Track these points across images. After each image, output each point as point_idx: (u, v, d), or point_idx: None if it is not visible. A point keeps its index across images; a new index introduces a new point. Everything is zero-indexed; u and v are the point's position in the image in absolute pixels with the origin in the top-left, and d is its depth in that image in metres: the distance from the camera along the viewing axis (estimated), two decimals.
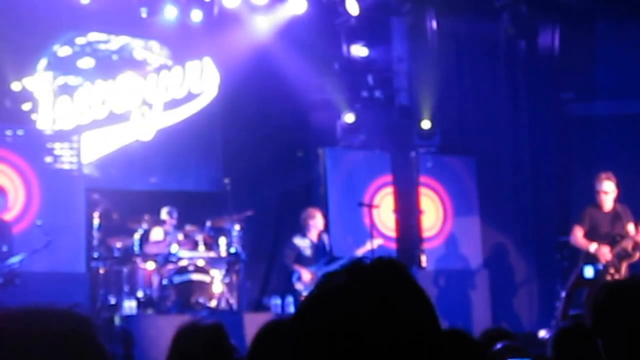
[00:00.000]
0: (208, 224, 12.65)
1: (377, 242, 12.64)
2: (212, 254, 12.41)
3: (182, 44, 14.90)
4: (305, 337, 1.76)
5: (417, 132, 15.19)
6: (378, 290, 1.75)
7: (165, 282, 11.87)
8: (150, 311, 11.88)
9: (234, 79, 15.04)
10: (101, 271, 12.27)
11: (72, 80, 14.22)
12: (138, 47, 14.83)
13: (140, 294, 11.98)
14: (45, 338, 1.70)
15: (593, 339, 3.21)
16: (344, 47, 15.21)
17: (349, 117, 15.07)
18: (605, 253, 11.21)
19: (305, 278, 12.02)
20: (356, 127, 15.12)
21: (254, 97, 14.94)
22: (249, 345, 3.79)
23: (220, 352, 4.54)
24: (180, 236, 12.57)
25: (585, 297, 11.13)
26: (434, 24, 15.42)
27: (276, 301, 12.69)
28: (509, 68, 15.82)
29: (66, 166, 12.85)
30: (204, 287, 11.74)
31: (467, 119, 15.61)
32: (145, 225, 12.52)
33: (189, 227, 12.75)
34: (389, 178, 14.91)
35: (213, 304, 11.69)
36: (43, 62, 13.99)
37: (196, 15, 14.34)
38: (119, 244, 12.44)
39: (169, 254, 12.15)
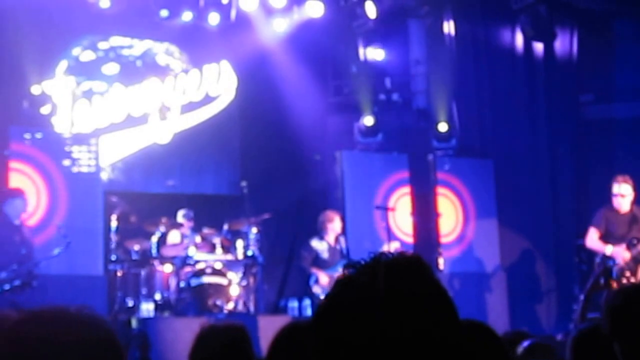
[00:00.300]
0: (225, 226, 12.65)
1: (394, 245, 12.61)
2: (229, 257, 12.41)
3: (200, 47, 14.92)
4: (327, 335, 1.76)
5: (434, 134, 15.16)
6: (399, 287, 1.75)
7: (182, 284, 11.87)
8: (167, 314, 11.89)
9: (251, 82, 15.06)
10: (119, 274, 12.29)
11: (93, 85, 14.28)
12: (160, 52, 14.87)
13: (157, 296, 11.99)
14: (67, 342, 1.70)
15: (611, 342, 3.19)
16: (361, 50, 15.20)
17: (369, 120, 15.04)
18: (623, 254, 11.15)
19: (323, 281, 12.01)
20: (374, 130, 15.10)
21: (271, 100, 14.95)
22: (267, 347, 3.78)
23: (241, 354, 4.53)
24: (198, 239, 12.59)
25: (603, 301, 11.06)
26: (452, 27, 15.39)
27: (293, 304, 12.69)
28: (527, 70, 15.77)
29: (84, 169, 12.89)
30: (221, 289, 11.74)
31: (485, 121, 15.58)
32: (162, 228, 12.53)
33: (206, 230, 12.76)
34: (406, 181, 14.87)
35: (230, 306, 11.68)
36: (63, 66, 14.05)
37: (213, 19, 14.36)
38: (136, 247, 12.46)
39: (187, 256, 12.16)
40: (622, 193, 11.31)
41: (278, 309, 13.81)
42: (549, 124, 15.60)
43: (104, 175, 13.50)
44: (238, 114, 15.24)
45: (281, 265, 14.47)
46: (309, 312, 12.51)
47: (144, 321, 11.25)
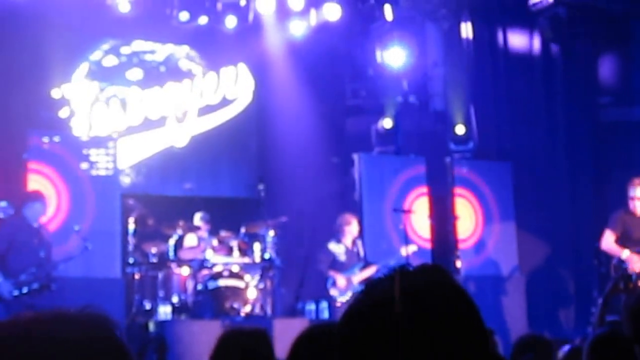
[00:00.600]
0: (242, 229, 12.66)
1: (411, 247, 12.59)
2: (246, 260, 12.42)
3: (217, 50, 14.95)
4: (351, 343, 1.76)
5: (452, 137, 15.13)
6: (423, 297, 1.74)
7: (199, 287, 11.89)
8: (184, 316, 11.90)
9: (268, 85, 15.07)
10: (136, 276, 12.32)
11: (118, 90, 14.34)
12: (182, 57, 14.91)
13: (175, 299, 12.00)
14: (67, 342, 1.70)
15: (629, 345, 3.17)
16: (379, 53, 15.18)
17: (387, 122, 15.02)
18: (636, 263, 11.08)
19: (340, 283, 12.00)
20: (391, 133, 15.09)
21: (288, 102, 14.95)
22: (283, 350, 3.77)
23: (262, 359, 4.52)
24: (215, 242, 12.61)
25: (623, 305, 11.01)
26: (469, 29, 15.36)
27: (310, 307, 12.68)
28: (545, 72, 15.73)
29: (102, 172, 12.93)
30: (238, 292, 11.75)
31: (503, 124, 15.54)
32: (179, 231, 12.55)
33: (223, 233, 12.78)
34: (423, 184, 14.85)
35: (247, 309, 11.69)
36: (83, 70, 14.10)
37: (231, 22, 14.38)
38: (154, 250, 12.48)
39: (204, 259, 12.18)
40: (638, 196, 11.25)
41: (295, 311, 13.79)
42: (567, 127, 15.55)
43: (122, 178, 13.53)
44: (255, 117, 15.26)
45: (298, 268, 14.44)
46: (325, 314, 12.51)
47: (161, 324, 11.27)
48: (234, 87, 15.17)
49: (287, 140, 14.95)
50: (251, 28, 14.53)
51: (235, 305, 11.59)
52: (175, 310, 11.92)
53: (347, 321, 1.81)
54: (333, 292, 12.01)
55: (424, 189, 14.81)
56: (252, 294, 11.86)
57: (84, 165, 12.80)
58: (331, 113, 15.46)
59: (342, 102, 15.68)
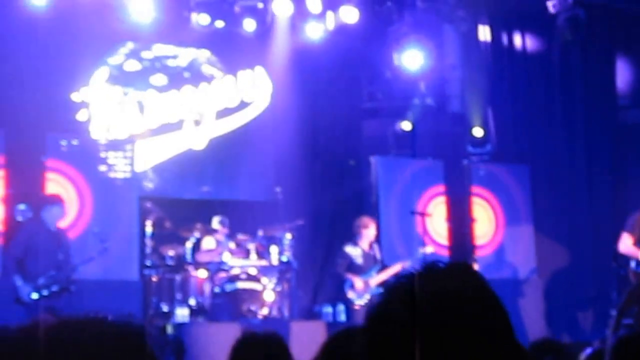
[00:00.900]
0: (260, 232, 12.67)
1: (429, 250, 12.57)
2: (263, 263, 12.42)
3: (234, 53, 14.97)
4: (379, 342, 1.75)
5: (469, 140, 15.10)
6: (452, 295, 1.74)
7: (217, 290, 11.91)
8: (202, 319, 11.93)
9: (285, 88, 15.07)
10: (154, 279, 12.35)
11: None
12: (204, 61, 14.95)
13: (192, 301, 12.02)
14: (98, 349, 1.71)
15: None
16: (396, 55, 15.16)
17: (407, 125, 15.00)
18: None
19: (358, 286, 11.98)
20: (409, 135, 15.07)
21: (305, 105, 14.96)
22: (300, 353, 3.76)
23: None
24: (232, 245, 12.62)
25: (636, 312, 10.96)
26: (487, 31, 15.33)
27: (327, 309, 12.68)
28: (563, 74, 15.67)
29: (120, 175, 12.97)
30: (256, 295, 11.76)
31: (521, 126, 15.50)
32: (197, 234, 12.57)
33: (240, 236, 12.78)
34: (441, 186, 14.83)
35: (264, 312, 11.70)
36: (104, 74, 14.16)
37: (249, 25, 14.40)
38: (171, 252, 12.50)
39: (221, 262, 12.20)
40: None
41: (312, 314, 13.80)
42: (586, 129, 15.50)
43: (139, 181, 13.56)
44: (272, 120, 15.26)
45: (315, 270, 14.46)
46: (342, 317, 12.50)
47: (178, 326, 11.30)
48: (252, 90, 15.18)
49: (304, 143, 14.95)
50: (269, 31, 14.54)
51: (253, 308, 11.60)
52: (193, 312, 11.94)
53: (372, 324, 1.80)
54: (351, 294, 12.00)
55: (441, 193, 14.79)
56: (269, 296, 11.87)
57: (102, 168, 12.85)
58: (348, 116, 15.45)
59: (359, 105, 15.67)
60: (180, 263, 12.39)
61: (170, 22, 14.07)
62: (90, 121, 13.90)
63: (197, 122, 14.77)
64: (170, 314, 11.93)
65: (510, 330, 1.78)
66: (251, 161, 15.13)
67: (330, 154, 15.18)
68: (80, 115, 13.81)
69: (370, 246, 12.43)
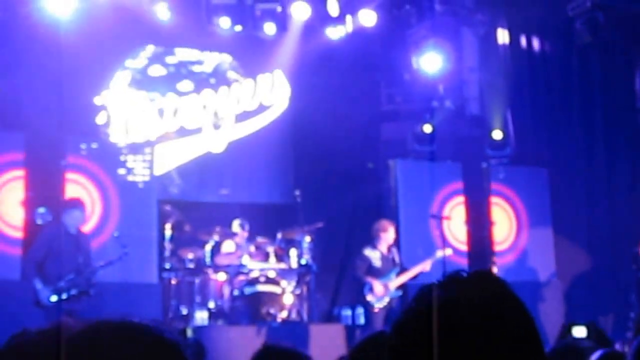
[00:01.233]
0: (279, 235, 12.68)
1: (447, 252, 12.53)
2: (282, 266, 12.43)
3: (254, 57, 14.99)
4: (406, 351, 1.75)
5: (488, 142, 15.07)
6: (477, 304, 1.74)
7: (236, 293, 11.92)
8: (221, 322, 11.94)
9: (304, 91, 15.09)
10: (173, 282, 12.38)
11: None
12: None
13: (211, 304, 12.04)
14: (134, 355, 1.71)
15: None
16: (414, 58, 15.15)
17: (428, 128, 14.98)
18: None
19: (377, 289, 11.97)
20: (428, 138, 15.05)
21: (324, 108, 14.96)
22: (320, 356, 3.75)
23: None
24: (252, 248, 12.63)
25: None
26: (506, 34, 15.30)
27: (346, 312, 12.67)
28: (582, 77, 15.62)
29: (139, 178, 13.01)
30: (275, 298, 11.77)
31: (540, 129, 15.45)
32: (216, 237, 12.59)
33: (260, 239, 12.79)
34: (460, 189, 14.81)
35: (283, 315, 11.71)
36: (125, 78, 14.21)
37: (268, 28, 14.42)
38: (190, 255, 12.52)
39: (240, 265, 12.21)
40: None
41: (331, 317, 13.81)
42: (605, 131, 15.44)
43: (159, 185, 13.59)
44: (291, 123, 15.28)
45: (334, 273, 14.46)
46: (361, 320, 12.49)
47: (198, 329, 11.31)
48: (271, 94, 15.21)
49: (323, 145, 14.95)
50: (288, 35, 14.56)
51: (272, 311, 11.61)
52: (212, 315, 11.96)
53: (397, 334, 1.80)
54: (370, 298, 11.97)
55: (460, 195, 14.77)
56: (288, 299, 11.87)
57: (122, 172, 12.89)
58: (367, 118, 15.46)
59: (378, 108, 15.67)
60: (200, 266, 12.41)
61: (190, 25, 14.11)
62: (110, 124, 13.96)
63: (216, 126, 14.80)
64: (189, 317, 11.96)
65: (536, 339, 1.77)
66: (270, 164, 15.16)
67: (349, 157, 15.18)
68: (100, 119, 13.86)
69: (389, 249, 12.41)
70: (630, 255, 14.17)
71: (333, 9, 14.41)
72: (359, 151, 15.40)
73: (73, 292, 10.23)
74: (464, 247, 14.51)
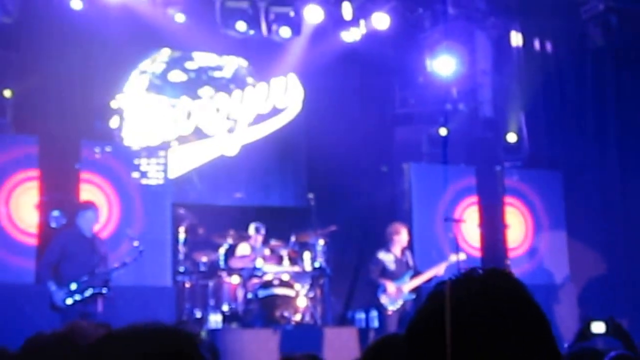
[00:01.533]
0: (293, 238, 12.69)
1: (461, 256, 12.51)
2: (296, 269, 12.43)
3: (267, 60, 15.01)
4: (420, 351, 1.75)
5: (502, 145, 15.05)
6: (492, 304, 1.73)
7: (250, 296, 11.93)
8: (235, 325, 11.95)
9: (317, 94, 15.10)
10: (187, 285, 12.40)
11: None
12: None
13: (225, 307, 12.05)
14: (152, 357, 1.72)
15: None
16: (428, 61, 15.15)
17: (443, 131, 14.96)
18: None
19: (390, 290, 11.94)
20: (441, 141, 15.03)
21: (337, 111, 14.97)
22: (337, 357, 3.76)
23: None
24: (266, 251, 12.64)
25: None
26: (519, 36, 15.28)
27: (360, 315, 12.65)
28: (596, 79, 15.58)
29: (153, 181, 13.03)
30: (289, 301, 11.77)
31: (554, 132, 15.42)
32: (230, 240, 12.60)
33: (273, 242, 12.81)
34: (473, 192, 14.78)
35: (297, 318, 11.71)
36: (143, 82, 14.26)
37: (282, 32, 14.43)
38: (204, 259, 12.54)
39: (254, 268, 12.22)
40: None
41: (345, 320, 13.80)
42: (619, 133, 15.39)
43: (172, 188, 13.61)
44: (305, 126, 15.29)
45: (348, 276, 14.45)
46: (375, 323, 12.47)
47: (211, 332, 11.32)
48: (284, 97, 15.23)
49: (337, 149, 14.95)
50: (301, 38, 14.56)
51: (286, 314, 11.61)
52: (226, 318, 11.97)
53: (412, 329, 1.80)
54: (383, 299, 11.95)
55: (474, 198, 14.74)
56: (302, 302, 11.87)
57: (135, 175, 12.91)
58: (380, 121, 15.47)
59: (391, 111, 15.67)
60: (214, 269, 12.43)
61: (204, 29, 14.12)
62: (124, 128, 13.99)
63: (230, 129, 14.82)
64: (203, 320, 11.97)
65: (552, 340, 1.77)
66: (284, 167, 15.18)
67: (362, 160, 15.18)
68: (115, 122, 13.90)
69: (403, 252, 12.40)
70: None
71: (346, 12, 14.41)
72: (373, 154, 15.40)
73: (87, 294, 10.25)
74: (477, 251, 14.49)
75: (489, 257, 14.46)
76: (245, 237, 12.75)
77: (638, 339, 12.70)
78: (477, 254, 14.42)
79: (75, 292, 10.20)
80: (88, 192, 12.37)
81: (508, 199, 14.83)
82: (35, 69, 12.67)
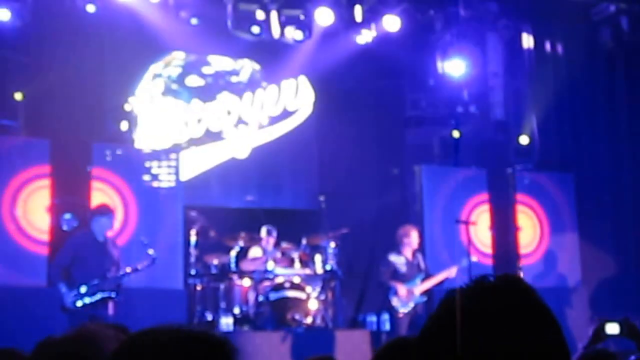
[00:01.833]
0: (304, 241, 12.68)
1: (473, 259, 12.49)
2: (307, 271, 12.43)
3: (278, 63, 15.02)
4: (433, 356, 1.74)
5: (514, 148, 15.03)
6: (504, 312, 1.73)
7: (261, 298, 11.93)
8: (246, 328, 11.95)
9: (328, 97, 15.10)
10: (198, 288, 12.40)
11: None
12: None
13: (236, 310, 12.05)
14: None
15: None
16: (439, 63, 15.13)
17: (456, 133, 14.94)
18: None
19: (402, 293, 11.93)
20: (452, 143, 15.02)
21: (348, 114, 14.97)
22: None
23: None
24: (277, 254, 12.64)
25: None
26: (530, 39, 15.25)
27: (371, 318, 12.64)
28: (608, 82, 15.54)
29: (164, 184, 13.04)
30: (300, 303, 11.76)
31: (566, 134, 15.39)
32: (241, 243, 12.60)
33: (285, 245, 12.80)
34: (485, 195, 14.76)
35: (309, 320, 11.70)
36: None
37: (291, 34, 14.43)
38: (215, 261, 12.55)
39: (265, 271, 12.22)
40: None
41: (356, 323, 13.79)
42: (631, 137, 15.35)
43: (184, 191, 13.61)
44: (315, 129, 15.29)
45: (359, 279, 14.44)
46: (387, 326, 12.46)
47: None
48: (295, 99, 15.24)
49: (347, 151, 14.95)
50: (312, 40, 14.56)
51: (297, 317, 11.60)
52: (237, 321, 11.97)
53: (423, 337, 1.79)
54: (395, 302, 11.94)
55: (485, 200, 14.72)
56: (313, 305, 11.86)
57: (147, 178, 12.93)
58: (391, 124, 15.45)
59: (402, 113, 15.66)
60: (225, 272, 12.43)
61: (215, 31, 14.12)
62: (136, 131, 14.01)
63: (240, 131, 14.83)
64: (214, 323, 11.96)
65: (564, 348, 1.76)
66: (294, 170, 15.18)
67: (373, 163, 15.18)
68: (125, 125, 13.91)
69: (414, 255, 12.39)
70: None
71: (357, 14, 14.40)
72: (384, 157, 15.40)
73: (97, 297, 10.26)
74: (489, 253, 14.46)
75: (501, 259, 14.44)
76: (257, 240, 12.75)
77: None
78: (489, 256, 14.40)
79: (85, 294, 10.20)
80: (100, 195, 12.38)
81: (520, 201, 14.80)
82: (47, 71, 12.69)
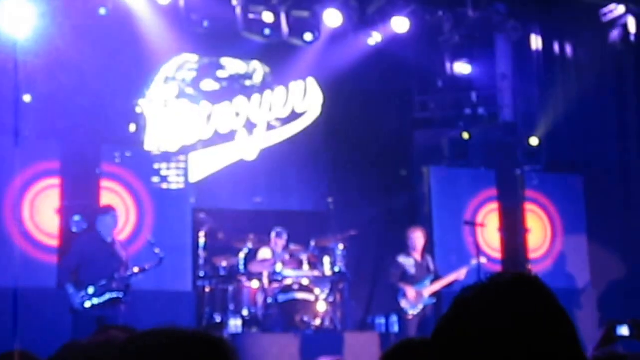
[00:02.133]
0: (312, 243, 12.68)
1: (482, 260, 12.47)
2: (316, 273, 12.42)
3: (286, 64, 15.02)
4: (445, 356, 1.74)
5: (522, 149, 15.00)
6: (517, 307, 1.72)
7: (270, 300, 11.93)
8: (255, 329, 11.95)
9: (337, 98, 15.10)
10: (207, 290, 12.41)
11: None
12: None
13: (245, 312, 12.06)
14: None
15: None
16: (448, 65, 15.13)
17: (466, 135, 14.92)
18: None
19: (410, 294, 11.92)
20: (461, 145, 15.00)
21: (356, 116, 14.97)
22: None
23: None
24: (286, 255, 12.64)
25: None
26: (539, 40, 15.23)
27: (380, 320, 12.62)
28: (617, 83, 15.50)
29: (173, 186, 13.05)
30: (309, 305, 11.76)
31: (575, 136, 15.36)
32: (250, 245, 12.60)
33: (293, 247, 12.80)
34: (493, 196, 14.74)
35: (317, 322, 11.70)
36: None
37: (300, 36, 14.43)
38: (224, 263, 12.56)
39: (274, 272, 12.22)
40: None
41: (365, 325, 13.78)
42: None
43: (192, 192, 13.63)
44: (324, 131, 15.29)
45: (368, 281, 14.43)
46: (395, 328, 12.45)
47: (232, 337, 11.32)
48: (303, 101, 15.24)
49: (356, 153, 14.95)
50: (319, 42, 14.56)
51: (306, 319, 11.60)
52: (246, 323, 11.97)
53: (436, 336, 1.79)
54: (403, 304, 11.93)
55: (494, 202, 14.70)
56: (322, 307, 11.86)
57: (155, 180, 12.94)
58: (400, 125, 15.44)
59: (411, 115, 15.65)
60: (233, 274, 12.44)
61: (225, 33, 14.12)
62: (145, 133, 14.02)
63: (249, 133, 14.84)
64: (223, 325, 11.97)
65: (577, 342, 1.76)
66: (303, 172, 15.17)
67: (382, 164, 15.17)
68: (135, 127, 13.93)
69: (423, 256, 12.37)
70: None
71: (365, 16, 14.41)
72: (392, 158, 15.39)
73: (105, 298, 10.27)
74: (498, 255, 14.44)
75: (510, 261, 14.41)
76: (266, 242, 12.76)
77: None
78: (498, 258, 14.37)
79: (92, 295, 10.21)
80: (109, 197, 12.41)
81: (528, 203, 14.77)
82: (56, 73, 12.70)
